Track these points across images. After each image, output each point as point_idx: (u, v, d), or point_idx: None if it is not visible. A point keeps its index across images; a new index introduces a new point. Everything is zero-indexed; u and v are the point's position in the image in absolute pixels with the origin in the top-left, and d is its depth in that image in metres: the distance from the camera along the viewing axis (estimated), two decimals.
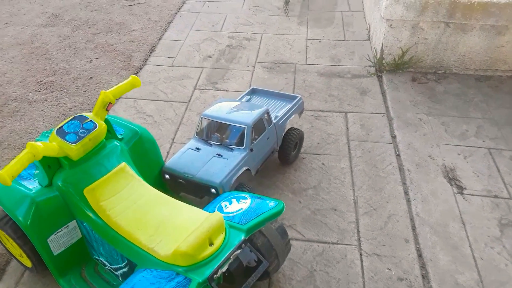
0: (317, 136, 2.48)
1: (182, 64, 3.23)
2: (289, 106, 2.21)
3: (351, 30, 3.60)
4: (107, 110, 1.62)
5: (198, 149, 1.94)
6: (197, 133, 2.01)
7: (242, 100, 2.25)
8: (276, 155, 2.23)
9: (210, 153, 1.90)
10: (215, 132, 1.98)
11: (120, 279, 1.56)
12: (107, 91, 1.59)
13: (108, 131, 1.66)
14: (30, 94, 2.92)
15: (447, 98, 2.73)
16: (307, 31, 3.62)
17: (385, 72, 3.00)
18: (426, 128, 2.48)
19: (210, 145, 1.95)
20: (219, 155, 1.88)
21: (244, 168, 1.86)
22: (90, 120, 1.55)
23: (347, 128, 2.54)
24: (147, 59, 3.30)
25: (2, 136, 2.53)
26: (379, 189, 2.12)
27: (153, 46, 3.47)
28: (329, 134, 2.50)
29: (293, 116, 2.23)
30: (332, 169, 2.26)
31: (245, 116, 1.93)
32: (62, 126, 1.52)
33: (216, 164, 1.83)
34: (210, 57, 3.31)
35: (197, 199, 1.91)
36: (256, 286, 1.69)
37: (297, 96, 2.28)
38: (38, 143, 1.38)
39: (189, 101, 2.83)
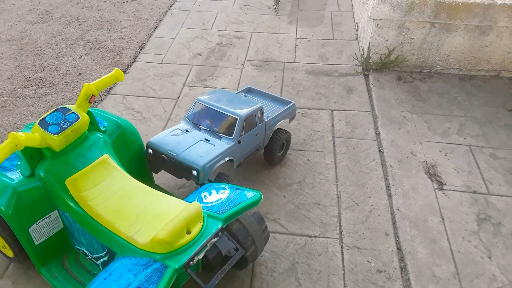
0: (303, 133, 2.51)
1: (172, 61, 3.25)
2: (282, 109, 2.23)
3: (339, 30, 3.64)
4: (90, 102, 1.63)
5: (186, 130, 1.96)
6: (187, 116, 2.03)
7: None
8: (262, 154, 2.24)
9: (198, 136, 1.91)
10: (206, 118, 1.99)
11: (101, 268, 1.58)
12: (90, 83, 1.60)
13: (91, 123, 1.68)
14: (19, 89, 2.92)
15: (431, 96, 2.77)
16: (296, 30, 3.65)
17: (371, 71, 3.03)
18: (410, 126, 2.52)
19: (199, 129, 1.96)
20: (206, 140, 1.89)
21: (228, 158, 1.87)
22: (73, 112, 1.57)
23: (333, 125, 2.57)
24: (137, 56, 3.32)
25: None
26: (362, 185, 2.15)
27: (143, 43, 3.49)
28: (315, 131, 2.53)
29: (284, 120, 2.25)
30: (317, 165, 2.28)
31: (240, 108, 1.95)
32: (44, 117, 1.53)
33: (201, 148, 1.84)
34: (200, 54, 3.33)
35: (176, 189, 1.94)
36: (238, 278, 1.71)
37: (291, 102, 2.30)
38: (20, 134, 1.39)
39: (178, 97, 2.84)
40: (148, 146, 1.88)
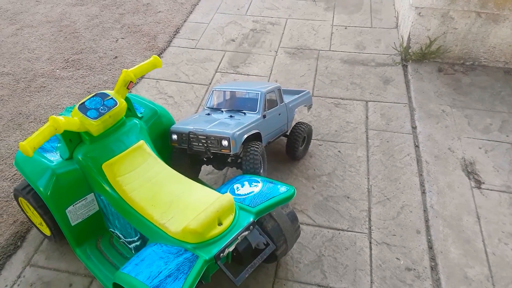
0: (336, 124, 2.47)
1: (205, 47, 3.25)
2: (297, 96, 2.23)
3: (378, 17, 3.52)
4: (128, 88, 1.66)
5: (208, 114, 1.95)
6: (206, 105, 2.03)
7: None
8: (285, 150, 2.22)
9: (221, 116, 1.90)
10: (227, 102, 1.99)
11: (133, 251, 1.63)
12: (129, 70, 1.62)
13: (128, 109, 1.71)
14: (57, 70, 3.01)
15: (473, 90, 2.65)
16: (333, 17, 3.56)
17: (410, 61, 2.93)
18: (449, 120, 2.43)
19: (221, 112, 1.95)
20: (231, 116, 1.88)
21: (255, 131, 1.82)
22: (111, 98, 1.60)
23: (367, 117, 2.51)
24: (171, 41, 3.34)
25: (29, 110, 2.63)
26: (395, 179, 2.10)
27: (178, 28, 3.50)
28: (347, 122, 2.48)
29: (302, 105, 2.25)
30: (348, 157, 2.25)
31: (259, 86, 1.96)
32: (84, 102, 1.57)
33: (227, 122, 1.81)
34: (233, 40, 3.31)
35: (205, 175, 1.94)
36: (264, 268, 1.72)
37: (306, 90, 2.31)
38: (60, 117, 1.43)
39: (210, 83, 2.85)
40: (172, 132, 1.83)
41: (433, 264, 1.73)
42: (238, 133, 1.69)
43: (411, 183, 2.08)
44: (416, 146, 2.29)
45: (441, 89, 2.67)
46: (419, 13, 2.78)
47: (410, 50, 2.93)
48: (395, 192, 2.04)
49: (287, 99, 2.16)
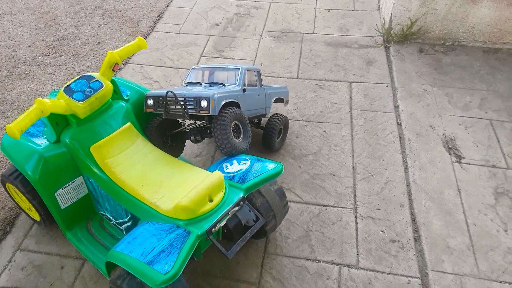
0: (320, 105, 2.51)
1: (189, 32, 3.23)
2: (275, 86, 2.25)
3: (361, 0, 3.55)
4: (113, 70, 1.66)
5: (186, 85, 1.93)
6: (184, 81, 2.00)
7: None
8: (261, 141, 2.20)
9: (199, 87, 1.86)
10: (206, 77, 1.96)
11: (124, 233, 1.65)
12: (114, 51, 1.62)
13: (115, 91, 1.71)
14: (39, 57, 2.96)
15: (453, 69, 2.71)
16: (316, 0, 3.57)
17: (392, 42, 2.97)
18: (430, 99, 2.49)
19: (200, 85, 1.92)
20: (210, 86, 1.85)
21: (234, 100, 1.76)
22: (97, 80, 1.60)
23: (351, 98, 2.56)
24: (154, 26, 3.31)
25: (12, 97, 2.59)
26: (378, 157, 2.16)
27: (161, 13, 3.47)
28: (332, 103, 2.52)
29: (279, 96, 2.24)
30: (333, 137, 2.29)
31: (239, 64, 1.95)
32: (69, 84, 1.56)
33: (207, 88, 1.77)
34: (217, 25, 3.30)
35: (193, 157, 1.93)
36: (254, 244, 1.77)
37: (284, 85, 2.36)
38: (46, 100, 1.43)
39: None
40: (148, 97, 1.74)
41: (416, 235, 1.80)
42: (217, 95, 1.63)
43: (394, 159, 2.14)
44: (399, 124, 2.35)
45: (422, 69, 2.72)
46: None
47: (391, 32, 2.97)
48: (379, 168, 2.10)
49: (267, 87, 2.17)
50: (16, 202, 1.87)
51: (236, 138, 1.70)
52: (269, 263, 1.71)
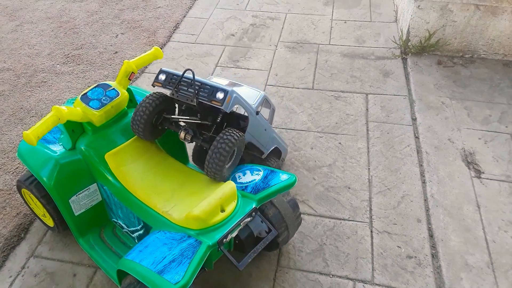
0: (336, 116, 2.48)
1: (205, 42, 3.25)
2: (280, 138, 2.02)
3: (378, 12, 3.53)
4: (129, 79, 1.67)
5: None
6: None
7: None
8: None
9: None
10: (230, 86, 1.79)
11: (136, 241, 1.64)
12: (130, 61, 1.63)
13: (130, 100, 1.72)
14: (58, 66, 3.01)
15: (472, 82, 2.66)
16: (332, 11, 3.57)
17: (410, 54, 2.94)
18: (448, 112, 2.44)
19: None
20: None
21: (247, 110, 1.61)
22: (113, 88, 1.61)
23: (367, 109, 2.53)
24: (171, 36, 3.34)
25: (30, 105, 2.64)
26: (395, 170, 2.12)
27: (178, 23, 3.50)
28: (348, 115, 2.49)
29: (278, 145, 1.97)
30: (349, 149, 2.26)
31: (258, 90, 1.86)
32: (86, 92, 1.58)
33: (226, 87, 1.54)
34: (233, 35, 3.32)
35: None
36: (266, 256, 1.74)
37: (287, 144, 2.14)
38: (63, 107, 1.44)
39: None
40: (161, 71, 1.57)
41: (433, 252, 1.74)
42: (235, 95, 1.48)
43: (411, 173, 2.09)
44: (416, 137, 2.30)
45: (440, 82, 2.68)
46: (418, 6, 2.79)
47: (409, 43, 2.94)
48: (395, 182, 2.06)
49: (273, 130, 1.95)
50: (31, 208, 1.88)
51: (227, 164, 1.51)
52: (281, 276, 1.67)
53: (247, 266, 1.42)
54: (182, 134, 1.57)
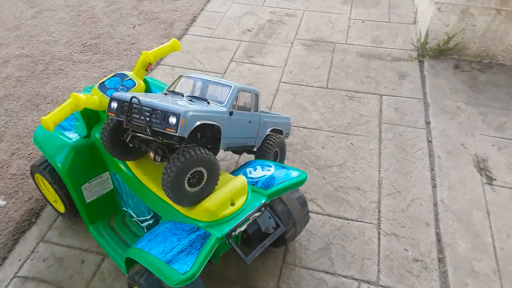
0: (349, 116, 2.47)
1: (221, 36, 3.26)
2: (275, 115, 1.96)
3: (397, 12, 3.50)
4: (146, 70, 1.68)
5: (165, 94, 1.58)
6: (166, 89, 1.63)
7: None
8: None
9: (179, 98, 1.51)
10: (192, 89, 1.61)
11: (145, 230, 1.66)
12: (148, 52, 1.65)
13: (146, 91, 1.73)
14: (75, 54, 3.05)
15: (489, 88, 2.63)
16: (351, 10, 3.55)
17: (427, 57, 2.91)
18: (463, 117, 2.41)
19: (182, 96, 1.56)
20: (191, 101, 1.48)
21: (214, 122, 1.40)
22: (130, 78, 1.62)
23: (381, 111, 2.51)
24: (187, 29, 3.36)
25: (47, 91, 2.68)
26: (406, 173, 2.11)
27: (195, 16, 3.52)
28: (361, 115, 2.48)
29: (277, 127, 1.90)
30: (360, 150, 2.25)
31: (234, 82, 1.61)
32: (104, 81, 1.59)
33: (184, 103, 1.38)
34: (249, 30, 3.32)
35: (225, 167, 1.90)
36: (272, 253, 1.75)
37: (287, 116, 2.06)
38: (81, 95, 1.46)
39: (225, 72, 2.87)
40: (112, 98, 1.36)
41: (440, 256, 1.73)
42: (191, 113, 1.27)
43: (422, 177, 2.08)
44: (429, 141, 2.29)
45: (456, 86, 2.65)
46: (439, 8, 2.76)
47: (427, 46, 2.91)
48: (406, 185, 2.04)
49: (264, 115, 1.83)
50: (43, 194, 1.92)
51: (191, 187, 1.33)
52: (287, 273, 1.68)
53: (253, 261, 1.43)
54: (151, 155, 1.42)
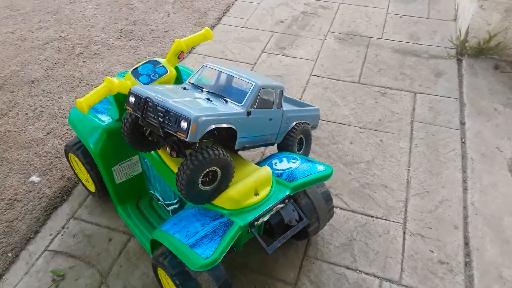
0: (380, 113, 2.43)
1: (253, 27, 3.26)
2: (302, 108, 1.87)
3: (436, 8, 3.39)
4: (178, 58, 1.70)
5: (184, 88, 1.52)
6: (188, 79, 1.60)
7: None
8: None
9: (197, 95, 1.46)
10: (213, 83, 1.58)
11: (171, 214, 1.69)
12: (181, 40, 1.67)
13: (177, 78, 1.76)
14: (111, 39, 3.12)
15: None
16: (388, 4, 3.46)
17: (466, 56, 2.81)
18: (500, 119, 2.32)
19: (201, 90, 1.52)
20: (208, 99, 1.43)
21: (229, 125, 1.36)
22: (163, 66, 1.65)
23: (414, 109, 2.45)
24: (221, 18, 3.37)
25: (82, 74, 2.75)
26: (436, 173, 2.05)
27: (229, 6, 3.52)
28: (393, 112, 2.43)
29: (303, 120, 1.82)
30: (390, 147, 2.21)
31: (257, 78, 1.53)
32: (137, 67, 1.62)
33: (198, 103, 1.36)
34: (282, 22, 3.30)
35: (250, 157, 1.90)
36: (294, 245, 1.75)
37: (315, 107, 1.98)
38: (115, 79, 1.50)
39: (255, 63, 2.86)
40: (131, 93, 1.37)
41: (467, 260, 1.69)
42: (204, 118, 1.23)
43: (453, 178, 2.02)
44: (463, 142, 2.21)
45: (495, 87, 2.55)
46: (481, 6, 2.65)
47: (467, 44, 2.81)
48: (435, 185, 1.99)
49: (288, 107, 1.78)
50: (75, 173, 1.99)
51: (206, 185, 1.34)
52: (307, 266, 1.68)
53: (274, 252, 1.44)
54: (168, 149, 1.43)
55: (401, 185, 2.01)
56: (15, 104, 2.50)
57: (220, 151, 1.30)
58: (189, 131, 1.21)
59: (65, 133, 2.32)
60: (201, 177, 1.29)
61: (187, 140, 1.22)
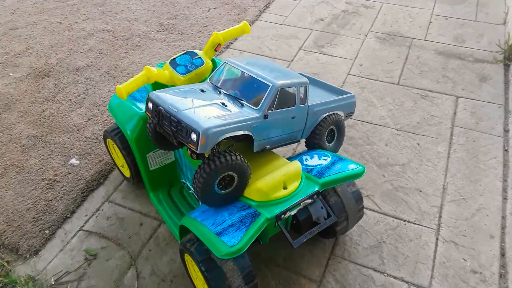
0: (419, 116, 2.36)
1: (292, 24, 3.24)
2: (333, 98, 1.74)
3: (485, 11, 3.25)
4: (216, 50, 1.73)
5: (201, 90, 1.49)
6: (209, 78, 1.57)
7: None
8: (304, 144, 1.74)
9: (213, 98, 1.43)
10: (232, 83, 1.52)
11: (200, 203, 1.72)
12: (219, 33, 1.69)
13: (213, 70, 1.78)
14: (152, 32, 3.20)
15: None
16: (434, 5, 3.35)
17: None
18: None
19: (219, 92, 1.49)
20: (223, 104, 1.40)
21: (244, 132, 1.32)
22: (200, 57, 1.68)
23: (455, 113, 2.36)
24: (260, 15, 3.38)
25: (124, 65, 2.84)
26: (475, 181, 1.97)
27: (269, 3, 3.53)
28: (432, 116, 2.35)
29: (335, 111, 1.71)
30: (427, 151, 2.14)
31: (276, 77, 1.45)
32: (175, 58, 1.66)
33: (212, 110, 1.34)
34: (322, 20, 3.27)
35: (282, 153, 1.89)
36: (321, 243, 1.73)
37: (350, 93, 1.82)
38: (153, 69, 1.54)
39: (292, 60, 2.85)
40: (148, 99, 1.40)
41: (502, 271, 1.61)
42: (214, 130, 1.22)
43: (492, 187, 1.93)
44: (505, 150, 2.11)
45: None
46: None
47: None
48: (473, 193, 1.91)
49: (316, 97, 1.70)
50: (112, 158, 2.06)
51: (223, 188, 1.35)
52: (334, 265, 1.66)
53: (300, 248, 1.43)
54: (188, 151, 1.39)
55: (437, 190, 1.94)
56: (59, 90, 2.62)
57: (238, 156, 1.31)
58: (199, 143, 1.22)
59: (105, 120, 2.40)
60: (217, 181, 1.31)
61: (197, 152, 1.24)
